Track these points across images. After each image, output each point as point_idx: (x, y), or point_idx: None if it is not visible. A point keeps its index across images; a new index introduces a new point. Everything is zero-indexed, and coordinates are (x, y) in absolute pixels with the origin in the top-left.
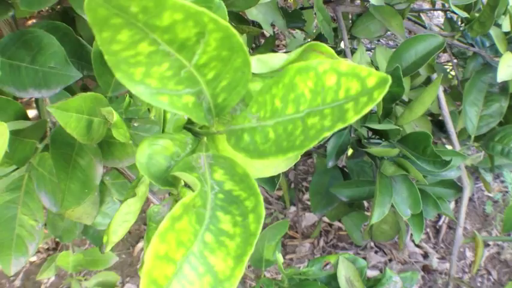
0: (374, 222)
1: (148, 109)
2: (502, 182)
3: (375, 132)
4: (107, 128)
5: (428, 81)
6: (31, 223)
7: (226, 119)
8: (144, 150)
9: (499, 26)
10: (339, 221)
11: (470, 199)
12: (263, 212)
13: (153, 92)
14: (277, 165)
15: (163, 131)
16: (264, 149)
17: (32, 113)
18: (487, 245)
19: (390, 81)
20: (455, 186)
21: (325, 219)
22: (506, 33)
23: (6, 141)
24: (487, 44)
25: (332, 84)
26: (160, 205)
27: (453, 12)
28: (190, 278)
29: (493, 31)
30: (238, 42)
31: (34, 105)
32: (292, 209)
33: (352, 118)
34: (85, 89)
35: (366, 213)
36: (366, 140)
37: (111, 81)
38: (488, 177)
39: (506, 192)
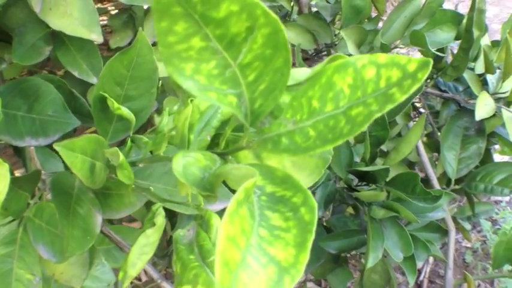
0: (367, 268)
1: (151, 151)
2: (479, 232)
3: (361, 178)
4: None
5: (399, 135)
6: (28, 277)
7: (253, 135)
8: (179, 161)
9: (471, 69)
10: (320, 286)
11: (444, 244)
12: (315, 203)
13: (201, 88)
14: (302, 180)
15: None
16: (308, 145)
17: None
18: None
19: (432, 62)
20: (441, 230)
21: (309, 284)
22: (479, 75)
23: (7, 185)
24: (460, 88)
25: (372, 76)
26: (185, 229)
27: None
28: (254, 268)
29: (466, 74)
30: (283, 39)
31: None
32: None
33: (401, 97)
34: None
35: (350, 270)
36: (354, 186)
37: (109, 128)
38: (467, 225)
39: (485, 241)
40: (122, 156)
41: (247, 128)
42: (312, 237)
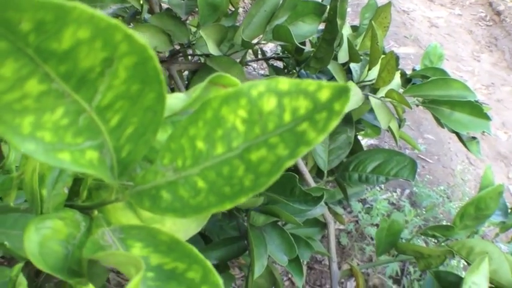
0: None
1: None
2: (350, 212)
3: None
4: None
5: None
6: None
7: (124, 184)
8: (32, 238)
9: (335, 58)
10: None
11: (323, 236)
12: (218, 279)
13: (48, 149)
14: (187, 228)
15: (41, 213)
16: (199, 203)
17: None
18: (350, 276)
19: (351, 88)
20: (319, 224)
21: None
22: (343, 64)
23: None
24: (324, 79)
25: (272, 108)
26: None
27: (278, 58)
28: None
29: (331, 65)
30: (154, 70)
31: None
32: None
33: (316, 138)
34: None
35: (232, 272)
36: None
37: None
38: (339, 209)
39: (357, 221)
40: None
41: (114, 183)
42: None
